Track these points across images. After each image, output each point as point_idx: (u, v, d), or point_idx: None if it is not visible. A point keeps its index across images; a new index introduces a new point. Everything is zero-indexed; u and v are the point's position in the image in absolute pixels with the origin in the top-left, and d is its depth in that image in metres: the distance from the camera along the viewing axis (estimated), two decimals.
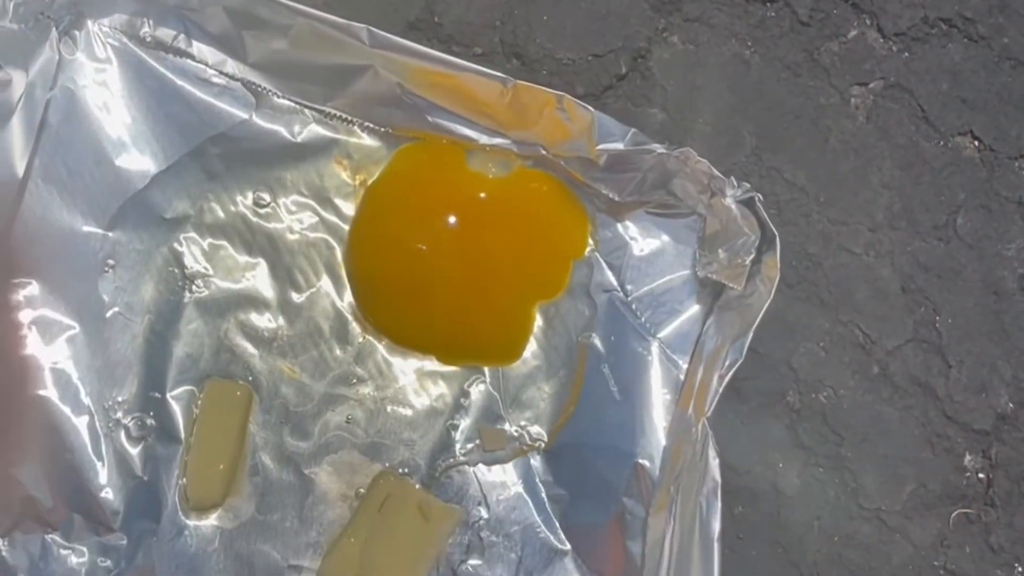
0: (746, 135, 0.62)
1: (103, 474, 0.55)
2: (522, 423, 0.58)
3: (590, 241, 0.60)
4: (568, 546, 0.57)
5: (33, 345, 0.55)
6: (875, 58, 0.63)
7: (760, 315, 0.53)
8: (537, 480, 0.57)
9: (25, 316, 0.55)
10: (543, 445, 0.58)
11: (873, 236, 0.62)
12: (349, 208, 0.59)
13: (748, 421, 0.59)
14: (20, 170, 0.56)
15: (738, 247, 0.56)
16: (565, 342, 0.59)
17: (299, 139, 0.59)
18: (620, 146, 0.55)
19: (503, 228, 0.58)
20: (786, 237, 0.53)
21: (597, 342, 0.58)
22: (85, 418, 0.55)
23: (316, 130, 0.59)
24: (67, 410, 0.55)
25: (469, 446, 0.58)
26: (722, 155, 0.57)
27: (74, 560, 0.54)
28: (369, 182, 0.59)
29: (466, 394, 0.58)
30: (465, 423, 0.58)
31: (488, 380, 0.59)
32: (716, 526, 0.52)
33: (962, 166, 0.63)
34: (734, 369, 0.53)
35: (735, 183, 0.55)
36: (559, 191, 0.59)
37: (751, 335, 0.54)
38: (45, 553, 0.54)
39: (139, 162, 0.57)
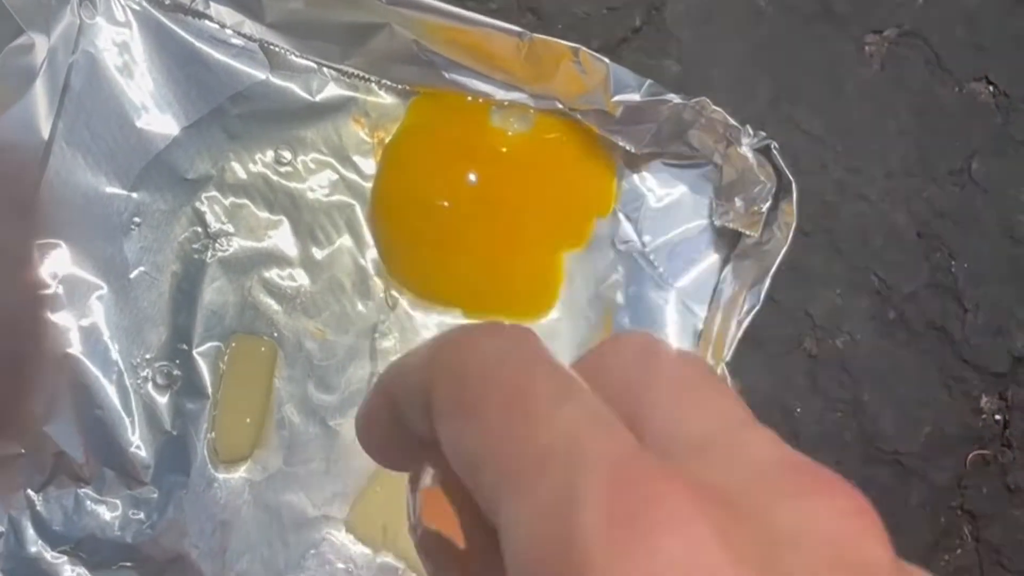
0: (761, 86, 0.62)
1: (133, 429, 0.56)
2: None
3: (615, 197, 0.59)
4: None
5: (62, 305, 0.56)
6: (889, 5, 0.63)
7: (778, 261, 0.54)
8: None
9: (53, 277, 0.56)
10: None
11: (889, 183, 0.62)
12: (369, 166, 0.59)
13: (766, 368, 0.60)
14: (45, 133, 0.57)
15: (754, 195, 0.56)
16: (585, 296, 0.60)
17: (317, 98, 0.60)
18: (636, 97, 0.56)
19: (528, 181, 0.59)
20: (802, 186, 0.54)
21: (616, 294, 0.59)
22: (114, 375, 0.56)
23: (334, 89, 0.60)
24: (96, 368, 0.56)
25: None
26: (738, 106, 0.57)
27: (107, 513, 0.55)
28: (387, 140, 0.59)
29: None
30: None
31: None
32: None
33: (977, 112, 0.63)
34: (752, 314, 0.54)
35: (751, 131, 0.56)
36: (583, 144, 0.60)
37: (768, 281, 0.54)
38: (78, 507, 0.55)
39: (160, 124, 0.58)
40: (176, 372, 0.57)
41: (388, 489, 0.57)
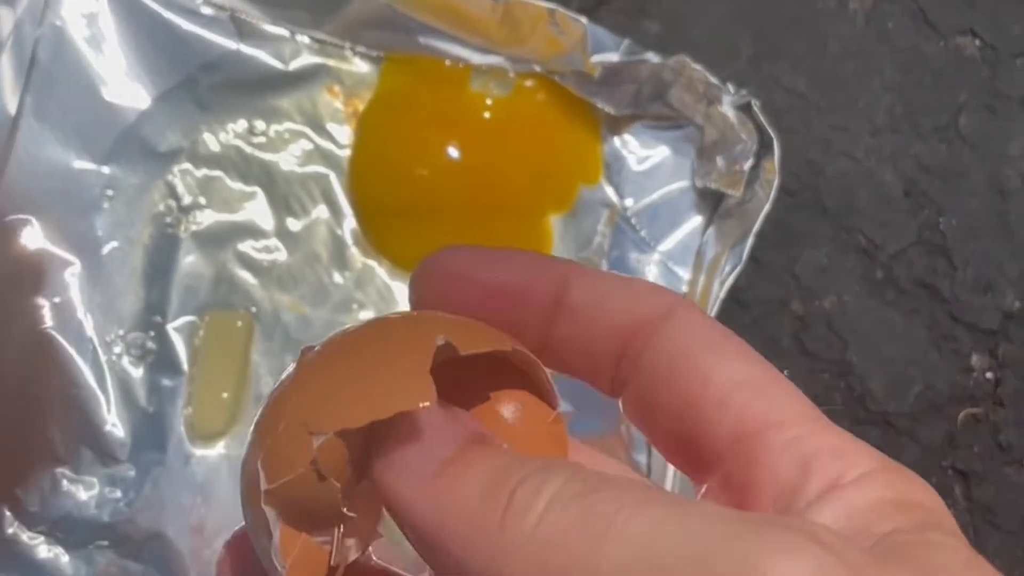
0: (743, 44, 0.61)
1: (109, 407, 0.55)
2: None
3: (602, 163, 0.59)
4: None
5: (34, 282, 0.54)
6: None
7: (760, 219, 0.53)
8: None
9: (24, 253, 0.54)
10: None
11: (874, 140, 0.61)
12: (344, 134, 0.58)
13: (752, 330, 0.59)
14: (12, 108, 0.56)
15: (736, 154, 0.56)
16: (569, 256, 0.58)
17: (290, 67, 0.59)
18: (615, 57, 0.55)
19: (509, 147, 0.59)
20: (786, 145, 0.53)
21: (600, 258, 0.57)
22: (89, 352, 0.56)
23: (307, 57, 0.59)
24: (70, 345, 0.55)
25: None
26: (719, 64, 0.56)
27: (84, 492, 0.55)
28: (361, 108, 0.58)
29: None
30: None
31: None
32: None
33: (963, 66, 0.62)
34: (735, 274, 0.53)
35: (731, 89, 0.55)
36: (565, 108, 0.59)
37: (751, 239, 0.54)
38: (55, 486, 0.55)
39: (130, 97, 0.57)
40: (150, 344, 0.56)
41: None
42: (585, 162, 0.59)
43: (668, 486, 0.55)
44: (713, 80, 0.55)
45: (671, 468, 0.55)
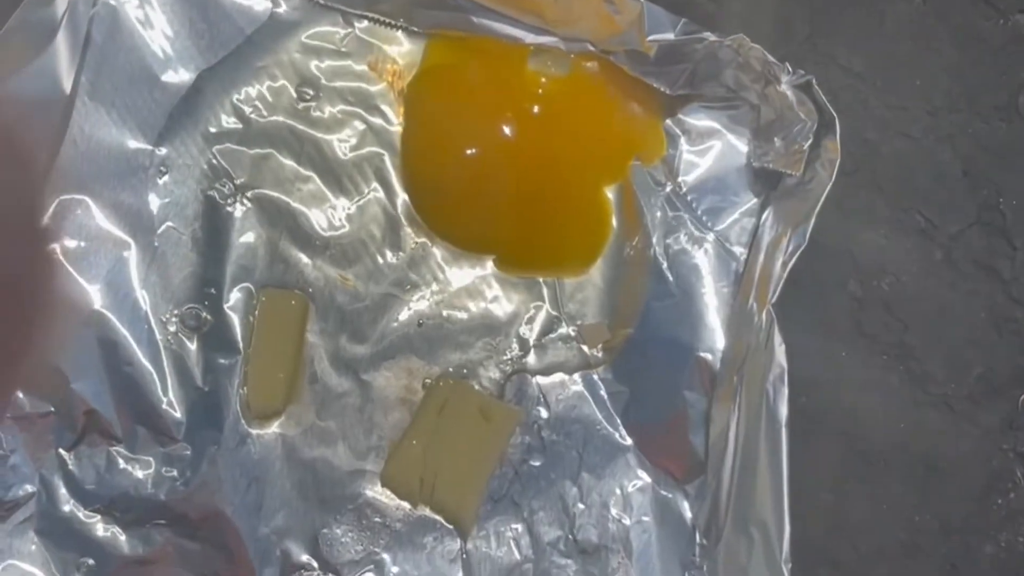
0: (798, 22, 0.60)
1: (165, 386, 0.55)
2: (579, 323, 0.57)
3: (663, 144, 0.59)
4: (630, 441, 0.57)
5: (89, 261, 0.55)
6: None
7: (823, 198, 0.53)
8: (596, 378, 0.57)
9: (80, 233, 0.55)
10: (603, 356, 0.57)
11: (932, 120, 0.60)
12: (396, 114, 0.57)
13: (809, 312, 0.59)
14: (68, 87, 0.56)
15: (795, 133, 0.55)
16: (620, 241, 0.58)
17: (343, 47, 0.59)
18: (671, 36, 0.54)
19: (566, 125, 0.58)
20: (843, 124, 0.53)
21: (653, 238, 0.57)
22: (143, 332, 0.56)
23: (359, 36, 0.59)
24: (124, 324, 0.55)
25: (525, 348, 0.57)
26: (775, 44, 0.55)
27: (139, 471, 0.55)
28: (406, 86, 0.58)
29: (524, 296, 0.57)
30: (523, 324, 0.58)
31: (545, 282, 0.57)
32: (784, 411, 0.51)
33: (1022, 44, 0.60)
34: (797, 254, 0.53)
35: (790, 69, 0.54)
36: (625, 88, 0.58)
37: (814, 219, 0.53)
38: (111, 465, 0.55)
39: (183, 75, 0.57)
40: (205, 315, 0.56)
41: (423, 442, 0.55)
42: (646, 140, 0.59)
43: (727, 468, 0.54)
44: (771, 59, 0.54)
45: (730, 446, 0.54)
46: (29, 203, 0.55)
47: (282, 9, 0.58)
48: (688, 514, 0.57)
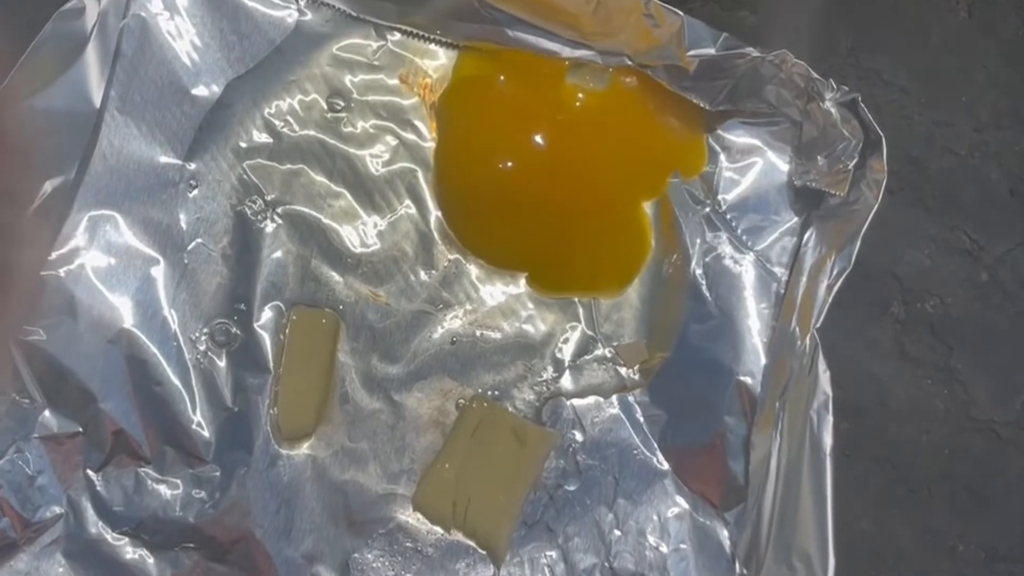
0: (842, 35, 0.59)
1: (194, 406, 0.55)
2: (615, 344, 0.56)
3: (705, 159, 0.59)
4: (667, 466, 0.56)
5: (118, 278, 0.54)
6: None
7: (868, 220, 0.51)
8: (633, 401, 0.56)
9: (109, 249, 0.54)
10: (639, 378, 0.56)
11: (979, 136, 0.59)
12: (429, 129, 0.57)
13: (851, 334, 0.58)
14: (97, 101, 0.55)
15: (839, 152, 0.54)
16: (658, 260, 0.57)
17: (375, 60, 0.58)
18: (712, 51, 0.53)
19: (605, 140, 0.57)
20: (887, 140, 0.52)
21: (692, 257, 0.56)
22: (173, 350, 0.55)
23: (392, 49, 0.58)
24: (153, 343, 0.55)
25: (560, 369, 0.56)
26: (817, 58, 0.54)
27: (168, 492, 0.54)
28: (438, 99, 0.58)
29: (559, 316, 0.56)
30: (558, 344, 0.56)
31: (580, 302, 0.57)
32: (828, 440, 0.50)
33: None
34: (843, 278, 0.51)
35: (834, 85, 0.53)
36: (666, 104, 0.57)
37: (859, 242, 0.51)
38: (139, 486, 0.54)
39: (213, 89, 0.57)
40: (235, 331, 0.55)
41: (456, 465, 0.54)
42: (686, 155, 0.58)
43: (768, 496, 0.53)
44: (815, 75, 0.53)
45: (772, 473, 0.53)
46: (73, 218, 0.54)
47: (314, 21, 0.57)
48: (727, 543, 0.56)
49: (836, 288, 0.52)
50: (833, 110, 0.54)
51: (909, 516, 0.58)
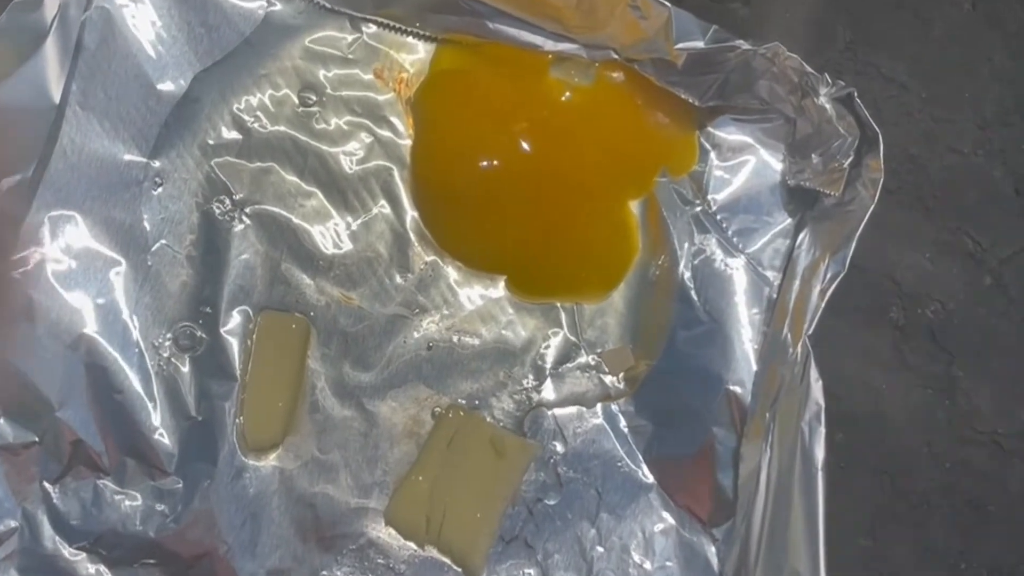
0: (839, 28, 0.58)
1: (156, 415, 0.53)
2: (599, 351, 0.54)
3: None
4: (652, 479, 0.54)
5: (76, 281, 0.53)
6: None
7: (864, 222, 0.50)
8: (617, 411, 0.54)
9: (67, 251, 0.53)
10: (624, 386, 0.54)
11: (983, 134, 0.58)
12: (405, 125, 0.55)
13: (847, 341, 0.56)
14: (57, 97, 0.53)
15: (834, 150, 0.52)
16: (644, 262, 0.55)
17: (350, 54, 0.56)
18: (700, 44, 0.51)
19: (590, 137, 0.55)
20: (886, 138, 0.49)
21: (680, 260, 0.54)
22: (134, 356, 0.53)
23: (367, 42, 0.57)
24: (115, 348, 0.53)
25: (541, 377, 0.54)
26: (812, 52, 0.53)
27: (128, 505, 0.53)
28: (413, 95, 0.57)
29: (540, 321, 0.54)
30: (539, 351, 0.54)
31: (562, 307, 0.55)
32: (820, 453, 0.48)
33: None
34: (836, 282, 0.50)
35: (829, 80, 0.51)
36: (654, 100, 0.56)
37: (854, 244, 0.49)
38: (98, 499, 0.52)
39: (180, 84, 0.55)
40: (200, 334, 0.53)
41: (431, 477, 0.52)
42: (676, 152, 0.56)
43: (758, 512, 0.51)
44: (809, 70, 0.51)
45: (761, 487, 0.51)
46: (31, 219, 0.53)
47: (285, 12, 0.56)
48: (715, 560, 0.54)
49: (830, 293, 0.50)
50: (828, 106, 0.52)
51: (908, 532, 0.56)
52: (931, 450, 0.56)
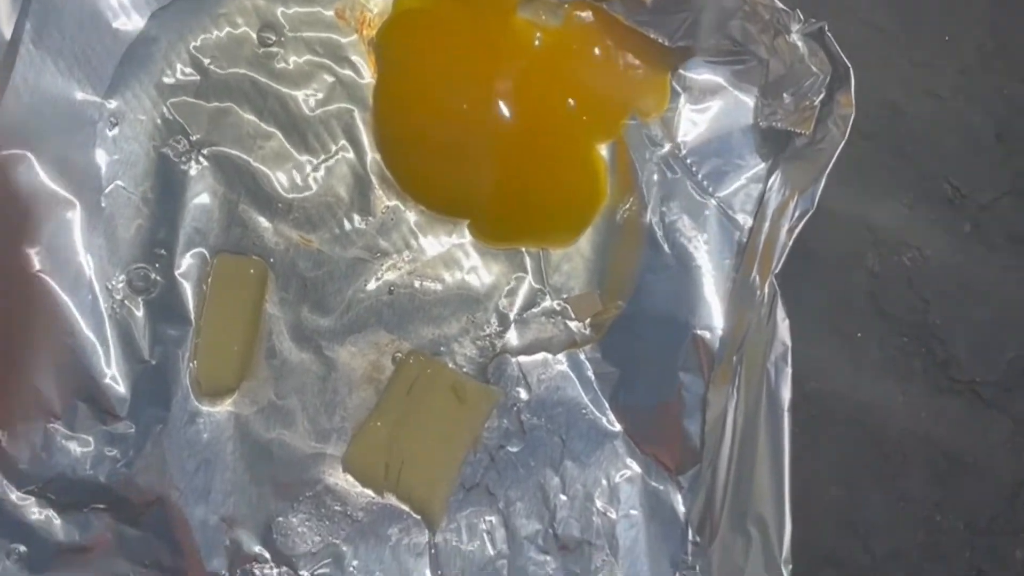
0: None
1: (108, 359, 0.52)
2: (564, 296, 0.53)
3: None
4: (618, 427, 0.52)
5: (27, 221, 0.52)
6: None
7: (834, 159, 0.49)
8: (583, 357, 0.52)
9: (20, 191, 0.52)
10: (590, 333, 0.52)
11: (963, 78, 0.57)
12: (368, 66, 0.53)
13: (821, 287, 0.55)
14: (7, 33, 0.52)
15: (805, 88, 0.51)
16: (612, 206, 0.54)
17: None
18: None
19: (558, 79, 0.54)
20: (863, 83, 0.49)
21: (648, 204, 0.52)
22: (87, 299, 0.52)
23: None
24: (66, 291, 0.52)
25: (505, 323, 0.53)
26: None
27: (78, 450, 0.51)
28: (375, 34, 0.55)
29: (504, 266, 0.54)
30: (503, 296, 0.53)
31: (527, 252, 0.54)
32: (786, 394, 0.47)
33: None
34: (805, 220, 0.49)
35: (800, 16, 0.50)
36: (625, 41, 0.54)
37: (824, 181, 0.49)
38: (48, 443, 0.51)
39: (136, 22, 0.54)
40: (154, 276, 0.52)
41: (390, 423, 0.51)
42: (646, 94, 0.55)
43: (724, 458, 0.49)
44: (780, 6, 0.50)
45: (728, 432, 0.49)
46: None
47: None
48: (681, 508, 0.52)
49: (798, 231, 0.49)
50: (800, 43, 0.51)
51: (882, 483, 0.55)
52: (906, 399, 0.55)
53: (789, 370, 0.47)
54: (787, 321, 0.48)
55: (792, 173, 0.52)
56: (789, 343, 0.48)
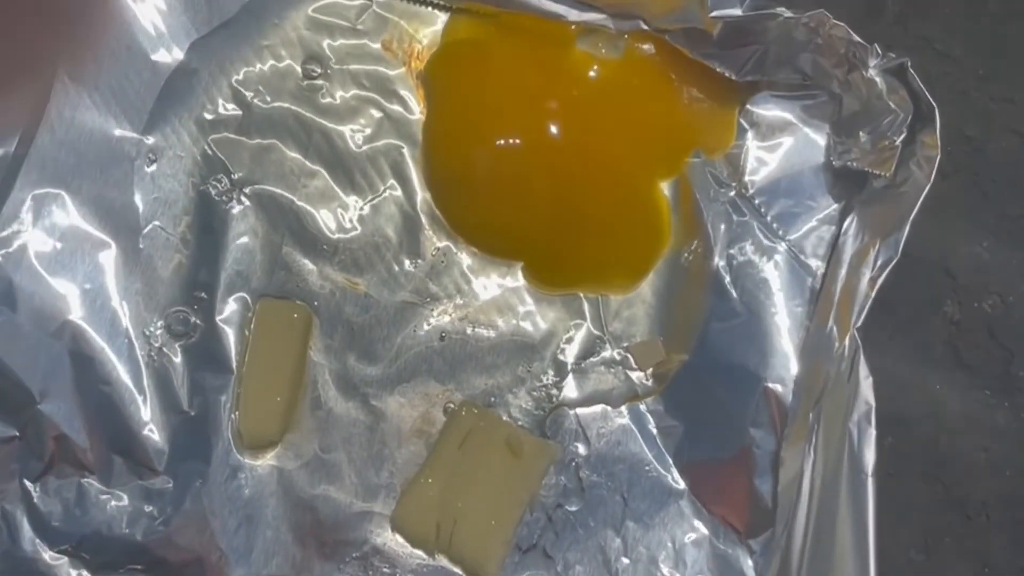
0: None
1: (145, 409, 0.50)
2: (625, 345, 0.51)
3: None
4: (683, 485, 0.51)
5: (62, 264, 0.51)
6: None
7: (919, 203, 0.47)
8: (645, 410, 0.51)
9: (54, 231, 0.51)
10: (653, 384, 0.51)
11: None
12: (417, 100, 0.53)
13: (897, 337, 0.53)
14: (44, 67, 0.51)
15: (884, 127, 0.49)
16: (676, 250, 0.53)
17: (358, 24, 0.54)
18: (738, 12, 0.48)
19: (619, 115, 0.52)
20: (940, 118, 0.47)
21: (715, 247, 0.51)
22: (123, 345, 0.51)
23: (377, 11, 0.54)
24: (102, 337, 0.50)
25: (562, 373, 0.52)
26: (858, 24, 0.50)
27: (114, 506, 0.50)
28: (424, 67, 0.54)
29: (561, 312, 0.53)
30: (560, 344, 0.52)
31: (586, 297, 0.53)
32: (870, 457, 0.45)
33: None
34: (888, 269, 0.47)
35: (879, 51, 0.48)
36: (689, 75, 0.52)
37: (908, 228, 0.47)
38: (81, 499, 0.50)
39: (176, 55, 0.53)
40: (194, 320, 0.51)
41: (442, 480, 0.49)
42: (711, 132, 0.53)
43: (800, 522, 0.47)
44: (857, 39, 0.48)
45: (804, 495, 0.48)
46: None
47: None
48: (752, 574, 0.50)
49: (880, 281, 0.47)
50: (878, 79, 0.49)
51: (964, 546, 0.53)
52: (989, 456, 0.53)
53: (873, 431, 0.45)
54: (870, 379, 0.46)
55: (870, 217, 0.50)
56: (873, 403, 0.46)
